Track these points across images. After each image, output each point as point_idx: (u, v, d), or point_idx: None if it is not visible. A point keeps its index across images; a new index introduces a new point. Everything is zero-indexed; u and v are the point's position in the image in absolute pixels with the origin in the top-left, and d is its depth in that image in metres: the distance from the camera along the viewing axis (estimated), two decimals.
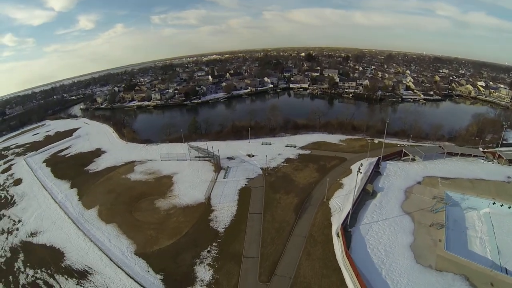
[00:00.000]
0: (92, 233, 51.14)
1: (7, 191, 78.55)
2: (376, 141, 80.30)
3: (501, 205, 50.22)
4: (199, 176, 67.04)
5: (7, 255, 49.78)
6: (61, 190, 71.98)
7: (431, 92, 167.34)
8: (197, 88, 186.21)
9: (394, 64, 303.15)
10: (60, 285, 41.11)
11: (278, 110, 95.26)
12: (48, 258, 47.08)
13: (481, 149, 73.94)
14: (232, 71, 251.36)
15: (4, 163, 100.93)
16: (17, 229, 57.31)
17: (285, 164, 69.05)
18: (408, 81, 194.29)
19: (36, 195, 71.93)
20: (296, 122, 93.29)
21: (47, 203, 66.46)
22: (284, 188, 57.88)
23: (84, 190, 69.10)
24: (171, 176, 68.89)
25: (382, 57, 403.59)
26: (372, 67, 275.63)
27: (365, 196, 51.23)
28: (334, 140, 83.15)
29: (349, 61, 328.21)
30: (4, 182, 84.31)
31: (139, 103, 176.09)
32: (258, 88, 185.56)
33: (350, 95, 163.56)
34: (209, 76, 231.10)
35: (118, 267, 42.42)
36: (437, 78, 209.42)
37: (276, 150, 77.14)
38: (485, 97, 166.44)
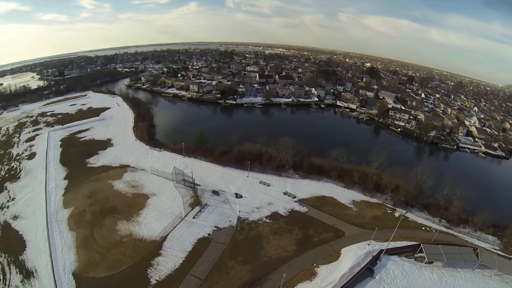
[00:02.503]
0: (54, 236, 52.86)
1: (20, 162, 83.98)
2: (397, 214, 63.68)
3: None
4: (172, 206, 61.08)
5: None
6: (55, 178, 74.51)
7: (496, 145, 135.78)
8: (240, 86, 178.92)
9: (462, 96, 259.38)
10: (10, 277, 44.60)
11: (295, 142, 78.98)
12: (14, 246, 50.71)
13: None
14: (284, 73, 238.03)
15: (33, 131, 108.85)
16: (7, 207, 62.10)
17: (267, 220, 58.03)
18: (472, 123, 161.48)
19: (36, 176, 75.60)
20: (311, 162, 78.51)
21: (39, 188, 69.41)
22: (244, 256, 48.43)
23: (73, 185, 70.63)
24: (149, 196, 64.83)
25: (452, 84, 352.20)
26: (437, 95, 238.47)
27: None
28: (345, 199, 67.83)
29: (413, 82, 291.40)
30: (23, 152, 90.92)
31: (177, 92, 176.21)
32: (301, 100, 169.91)
33: (399, 129, 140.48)
34: (257, 75, 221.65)
35: (54, 281, 43.16)
36: (507, 125, 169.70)
37: (269, 196, 65.93)
38: None
